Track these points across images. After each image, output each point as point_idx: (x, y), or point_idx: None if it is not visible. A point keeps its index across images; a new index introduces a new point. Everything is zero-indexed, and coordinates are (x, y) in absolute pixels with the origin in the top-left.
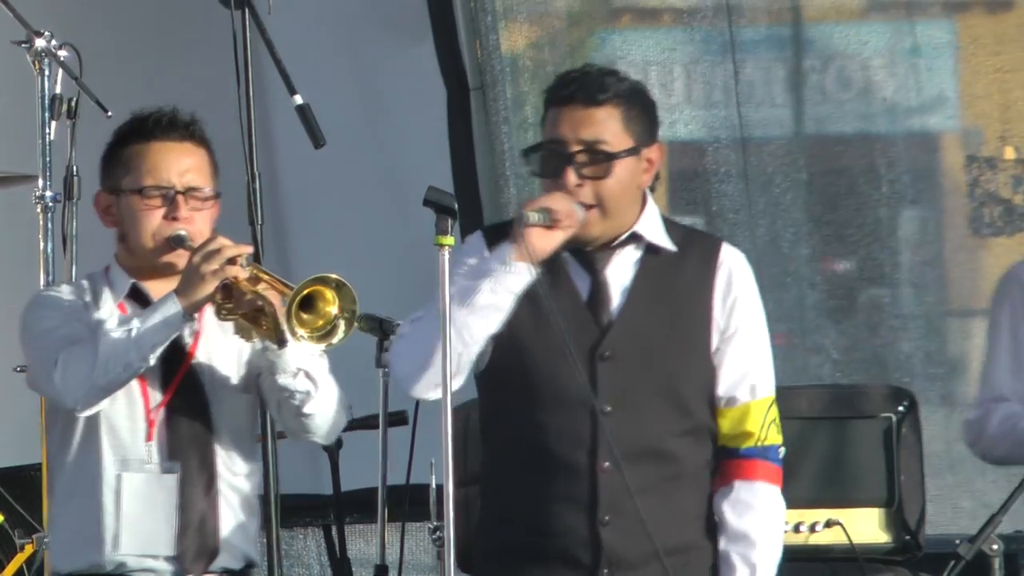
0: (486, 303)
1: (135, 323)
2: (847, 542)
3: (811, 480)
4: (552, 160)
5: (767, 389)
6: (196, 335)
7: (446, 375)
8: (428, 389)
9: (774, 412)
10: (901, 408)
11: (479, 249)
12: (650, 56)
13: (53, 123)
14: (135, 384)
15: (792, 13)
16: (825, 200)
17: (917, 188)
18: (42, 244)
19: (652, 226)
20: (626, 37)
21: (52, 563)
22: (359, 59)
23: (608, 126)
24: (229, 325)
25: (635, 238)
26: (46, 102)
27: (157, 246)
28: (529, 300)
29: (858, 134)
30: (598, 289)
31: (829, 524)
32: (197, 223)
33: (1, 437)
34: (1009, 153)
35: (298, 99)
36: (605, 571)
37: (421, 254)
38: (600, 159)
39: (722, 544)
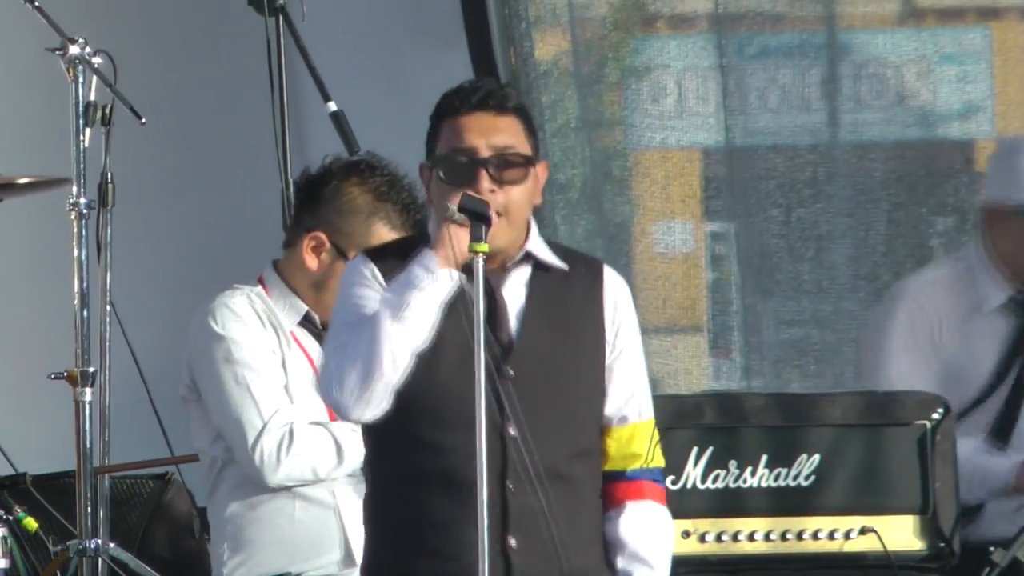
0: (415, 315)
1: None
2: (882, 549)
3: (845, 487)
4: (464, 167)
5: (650, 411)
6: None
7: (479, 397)
8: (368, 410)
9: (656, 435)
10: (935, 415)
11: (363, 271)
12: (685, 63)
13: (87, 130)
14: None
15: (825, 20)
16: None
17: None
18: (76, 251)
19: (540, 245)
20: (663, 44)
21: None
22: (393, 66)
23: (515, 133)
24: None
25: (528, 257)
26: (80, 109)
27: None
28: None
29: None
30: (496, 309)
31: (863, 531)
32: None
33: (36, 444)
34: None
35: (332, 106)
36: None
37: None
38: (517, 163)
39: (621, 564)
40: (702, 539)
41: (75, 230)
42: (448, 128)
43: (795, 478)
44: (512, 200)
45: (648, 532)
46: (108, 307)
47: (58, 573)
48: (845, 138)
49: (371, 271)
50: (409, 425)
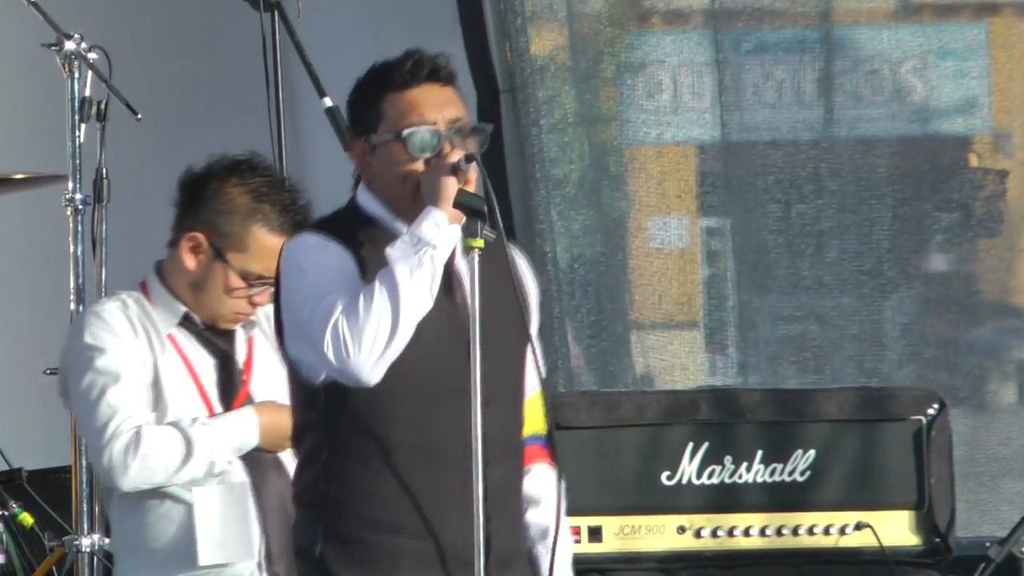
0: (430, 273)
1: None
2: (877, 544)
3: (841, 483)
4: (424, 139)
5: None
6: (248, 365)
7: (474, 384)
8: (381, 371)
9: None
10: (931, 411)
11: (323, 243)
12: (681, 58)
13: (83, 126)
14: (206, 413)
15: (821, 16)
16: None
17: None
18: (72, 246)
19: None
20: (658, 39)
21: None
22: None
23: (461, 106)
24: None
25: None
26: (76, 105)
27: None
28: None
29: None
30: (450, 279)
31: (859, 526)
32: None
33: (32, 440)
34: None
35: (327, 101)
36: (491, 570)
37: None
38: (480, 131)
39: (533, 517)
40: (697, 535)
41: (71, 226)
42: (400, 100)
43: (790, 473)
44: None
45: (552, 491)
46: None
47: (54, 569)
48: (844, 134)
49: (332, 242)
50: (388, 398)
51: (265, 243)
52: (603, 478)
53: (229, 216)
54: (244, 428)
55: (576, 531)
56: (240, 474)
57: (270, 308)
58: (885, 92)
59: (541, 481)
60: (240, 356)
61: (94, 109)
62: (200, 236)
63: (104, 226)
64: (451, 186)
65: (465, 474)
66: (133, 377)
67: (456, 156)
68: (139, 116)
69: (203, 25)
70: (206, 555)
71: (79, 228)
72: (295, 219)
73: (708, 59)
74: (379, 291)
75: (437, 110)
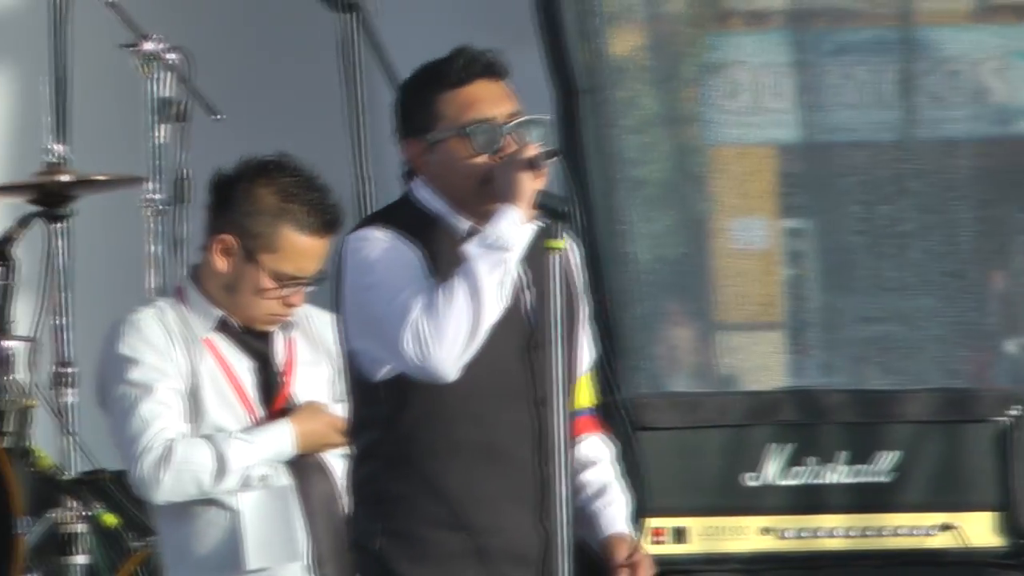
0: (510, 271)
1: None
2: (961, 546)
3: (924, 484)
4: (489, 135)
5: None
6: (288, 366)
7: (557, 381)
8: (458, 369)
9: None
10: (1015, 411)
11: (390, 238)
12: (762, 59)
13: (162, 126)
14: (247, 417)
15: (901, 17)
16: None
17: None
18: (151, 247)
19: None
20: (738, 40)
21: None
22: None
23: (514, 97)
24: (317, 354)
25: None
26: (155, 105)
27: None
28: None
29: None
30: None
31: (944, 528)
32: None
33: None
34: None
35: None
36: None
37: None
38: (531, 125)
39: (592, 476)
40: (781, 536)
41: (151, 226)
42: (457, 98)
43: (875, 475)
44: None
45: (609, 455)
46: None
47: (138, 570)
48: (925, 135)
49: (395, 235)
50: (452, 397)
51: (295, 243)
52: (687, 479)
53: (258, 217)
54: (280, 440)
55: (661, 532)
56: (284, 478)
57: (310, 309)
58: (966, 93)
59: (594, 446)
60: (279, 358)
61: (174, 110)
62: (230, 238)
63: (186, 227)
64: (527, 183)
65: (524, 472)
66: (166, 389)
67: (532, 152)
68: (219, 116)
69: (282, 25)
70: (252, 559)
71: (159, 228)
72: (325, 218)
73: (787, 60)
74: (460, 289)
75: (495, 105)
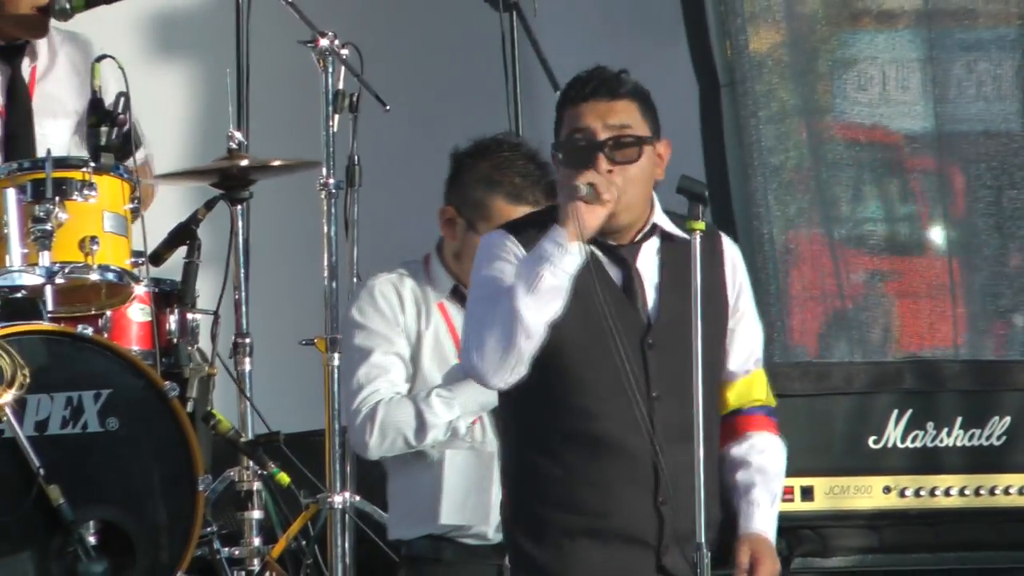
0: (548, 287)
1: None
2: None
3: None
4: (582, 150)
5: (761, 357)
6: None
7: (696, 376)
8: (506, 376)
9: (767, 377)
10: None
11: (503, 243)
12: (891, 55)
13: (336, 116)
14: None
15: (1020, 15)
16: None
17: None
18: (325, 227)
19: (664, 218)
20: (871, 37)
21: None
22: (619, 58)
23: (631, 115)
24: None
25: (654, 229)
26: (330, 97)
27: None
28: (572, 291)
29: None
30: (631, 280)
31: None
32: None
33: (289, 405)
34: None
35: None
36: (667, 546)
37: None
38: (630, 143)
39: (741, 477)
40: (902, 494)
41: (325, 208)
42: (568, 116)
43: (988, 438)
44: (629, 178)
45: (768, 455)
46: (355, 280)
47: (308, 524)
48: None
49: (511, 242)
50: (557, 391)
51: (507, 212)
52: (815, 442)
53: (474, 188)
54: (482, 391)
55: (789, 491)
56: (492, 444)
57: None
58: None
59: (761, 446)
60: None
61: (346, 101)
62: (451, 209)
63: (356, 208)
64: (570, 209)
65: (636, 460)
66: (385, 353)
67: (582, 179)
68: (388, 107)
69: (446, 23)
70: (447, 515)
71: (332, 210)
72: (535, 184)
73: (917, 56)
74: (500, 306)
75: (599, 119)
